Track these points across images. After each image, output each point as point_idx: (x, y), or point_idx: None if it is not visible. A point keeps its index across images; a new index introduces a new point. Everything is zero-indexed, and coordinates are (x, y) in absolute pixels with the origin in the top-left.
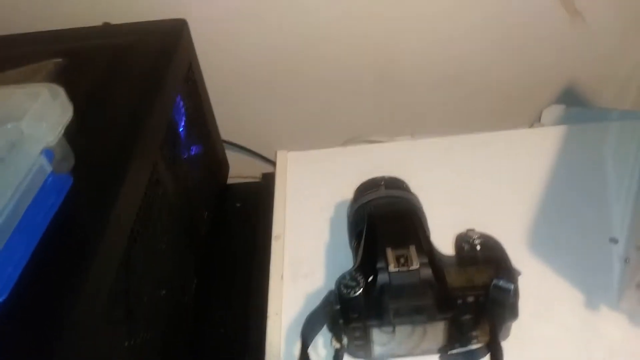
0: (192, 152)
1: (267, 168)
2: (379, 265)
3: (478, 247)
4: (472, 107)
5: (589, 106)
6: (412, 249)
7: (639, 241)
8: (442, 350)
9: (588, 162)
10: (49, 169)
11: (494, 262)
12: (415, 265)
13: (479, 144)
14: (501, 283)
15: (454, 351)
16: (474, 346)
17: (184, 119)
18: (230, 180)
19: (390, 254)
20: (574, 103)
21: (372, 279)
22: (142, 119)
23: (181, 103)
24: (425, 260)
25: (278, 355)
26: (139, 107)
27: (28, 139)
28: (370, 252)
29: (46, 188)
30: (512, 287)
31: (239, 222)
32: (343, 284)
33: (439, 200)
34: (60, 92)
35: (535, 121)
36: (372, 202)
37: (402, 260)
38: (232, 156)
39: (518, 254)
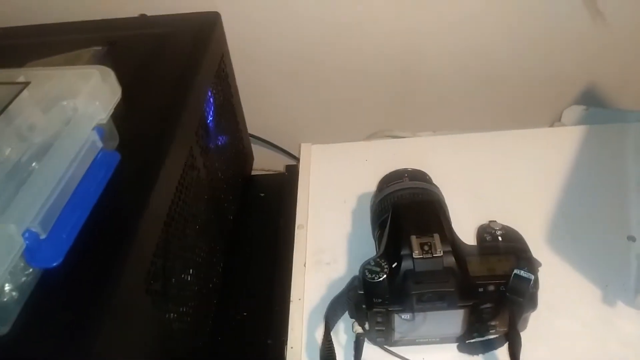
0: (220, 143)
1: (291, 162)
2: (404, 252)
3: (500, 238)
4: (494, 105)
5: (609, 107)
6: (436, 237)
7: None
8: (461, 339)
9: (607, 162)
10: (100, 144)
11: (515, 252)
12: (439, 253)
13: (500, 141)
14: (522, 273)
15: (473, 340)
16: (492, 336)
17: (212, 109)
18: (254, 173)
19: (414, 241)
20: (595, 104)
21: (396, 265)
22: (180, 105)
23: (210, 94)
24: (449, 248)
25: (300, 339)
26: (176, 94)
27: (82, 116)
28: (395, 239)
29: (97, 163)
30: (532, 277)
31: (262, 212)
32: (367, 270)
33: (460, 194)
34: (111, 73)
35: (555, 121)
36: (396, 193)
37: (426, 248)
38: (256, 150)
39: (537, 248)
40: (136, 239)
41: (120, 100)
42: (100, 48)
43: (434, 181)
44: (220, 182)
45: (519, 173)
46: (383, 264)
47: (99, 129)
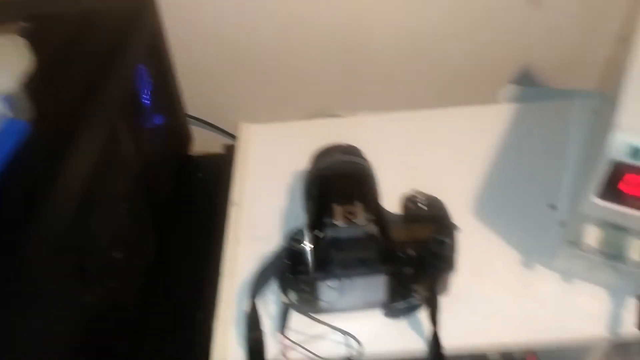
0: (156, 122)
1: (232, 143)
2: (327, 220)
3: (422, 206)
4: (433, 84)
5: (542, 86)
6: (359, 206)
7: (579, 206)
8: (386, 305)
9: (535, 137)
10: (8, 113)
11: (436, 219)
12: (360, 220)
13: (437, 119)
14: (440, 237)
15: (397, 306)
16: (415, 301)
17: (148, 88)
18: (194, 154)
19: (337, 209)
20: (531, 83)
21: (319, 233)
22: (103, 81)
23: (145, 72)
24: (371, 216)
25: (230, 311)
26: (101, 69)
27: None
28: (319, 209)
29: (4, 131)
30: (450, 240)
31: (199, 191)
32: (292, 239)
33: (395, 169)
34: (21, 43)
35: (492, 99)
36: (326, 166)
37: (348, 216)
38: (198, 131)
39: (464, 217)
40: (45, 211)
41: (41, 76)
42: (26, 24)
43: (371, 158)
44: (153, 161)
45: (454, 148)
46: (307, 233)
47: (8, 97)
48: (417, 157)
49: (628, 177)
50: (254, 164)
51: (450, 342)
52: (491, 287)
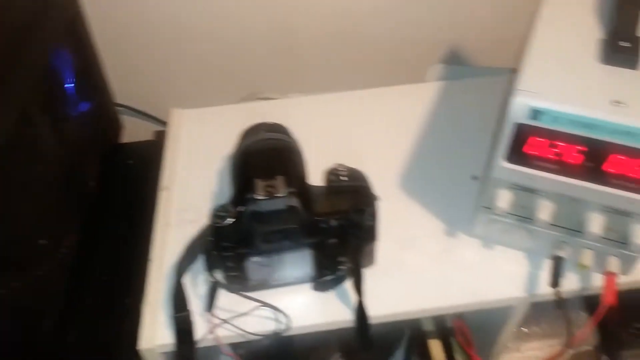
0: (81, 109)
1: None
2: (248, 195)
3: (344, 178)
4: (363, 65)
5: (469, 65)
6: (280, 179)
7: (490, 171)
8: (314, 278)
9: (461, 113)
10: None
11: (356, 189)
12: (281, 193)
13: (367, 99)
14: (360, 207)
15: (325, 278)
16: (342, 272)
17: (71, 75)
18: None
19: (258, 183)
20: (458, 62)
21: (242, 208)
22: (11, 60)
23: (67, 58)
24: (292, 189)
25: (158, 295)
26: (8, 49)
27: None
28: (242, 184)
29: None
30: (369, 210)
31: (130, 178)
32: (215, 215)
33: (324, 148)
34: None
35: (421, 78)
36: (249, 144)
37: (269, 189)
38: (131, 121)
39: (390, 190)
40: None
41: None
42: None
43: (302, 137)
44: (78, 148)
45: (383, 126)
46: (230, 209)
47: None
48: (347, 136)
49: (531, 139)
50: (184, 148)
51: (378, 310)
52: (416, 256)
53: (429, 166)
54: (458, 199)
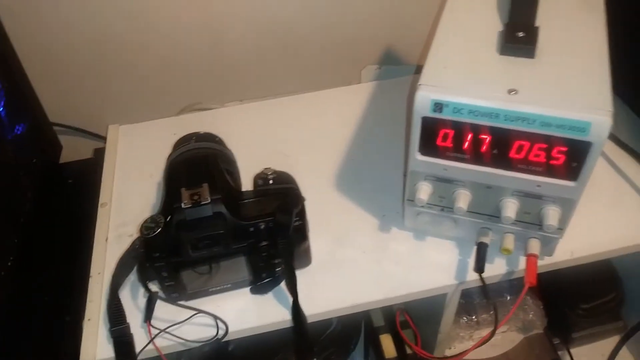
0: (17, 132)
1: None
2: (175, 204)
3: (271, 181)
4: (298, 69)
5: (403, 64)
6: (205, 187)
7: (409, 164)
8: (253, 282)
9: (393, 111)
10: None
11: (283, 192)
12: (206, 200)
13: (303, 102)
14: (285, 208)
15: (262, 282)
16: (279, 274)
17: (1, 99)
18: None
19: (184, 193)
20: (392, 62)
21: (169, 218)
22: None
23: None
24: (217, 195)
25: (98, 311)
26: None
27: None
28: (169, 194)
29: None
30: (295, 210)
31: (69, 197)
32: (144, 227)
33: (260, 154)
34: None
35: (356, 80)
36: (178, 154)
37: (195, 197)
38: (72, 140)
39: (325, 191)
40: None
41: None
42: None
43: (238, 145)
44: (14, 171)
45: (317, 129)
46: (158, 220)
47: None
48: (283, 140)
49: (441, 130)
50: (122, 163)
51: (315, 308)
52: (351, 252)
53: (363, 164)
54: (390, 196)
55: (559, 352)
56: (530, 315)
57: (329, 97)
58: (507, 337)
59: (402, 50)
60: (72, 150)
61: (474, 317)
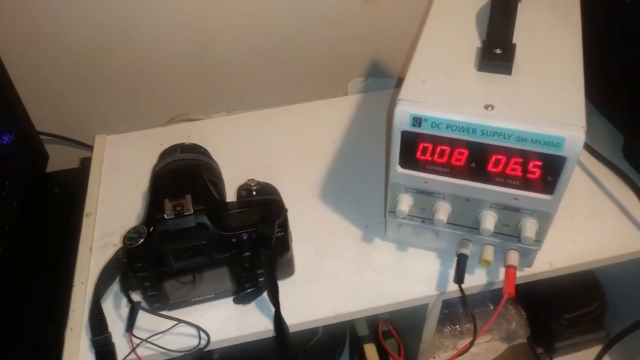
0: (4, 142)
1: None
2: (158, 215)
3: (254, 193)
4: (285, 82)
5: (386, 77)
6: (188, 198)
7: (389, 177)
8: (236, 292)
9: (377, 123)
10: None
11: (266, 203)
12: (189, 211)
13: (288, 114)
14: (268, 219)
15: (245, 292)
16: (262, 284)
17: None
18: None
19: (167, 203)
20: (377, 75)
21: (152, 229)
22: None
23: None
24: (200, 207)
25: (81, 320)
26: None
27: None
28: (152, 205)
29: None
30: (277, 221)
31: (54, 207)
32: (127, 237)
33: (246, 165)
34: None
35: (343, 92)
36: (163, 165)
37: (178, 208)
38: (58, 149)
39: (309, 202)
40: None
41: None
42: None
43: (224, 156)
44: (2, 181)
45: (303, 140)
46: (141, 230)
47: None
48: (268, 151)
49: (419, 145)
50: (108, 173)
51: (297, 318)
52: (333, 263)
53: (347, 176)
54: (373, 207)
55: None
56: (513, 325)
57: (315, 108)
58: (491, 347)
59: (387, 63)
60: (59, 159)
61: (457, 326)
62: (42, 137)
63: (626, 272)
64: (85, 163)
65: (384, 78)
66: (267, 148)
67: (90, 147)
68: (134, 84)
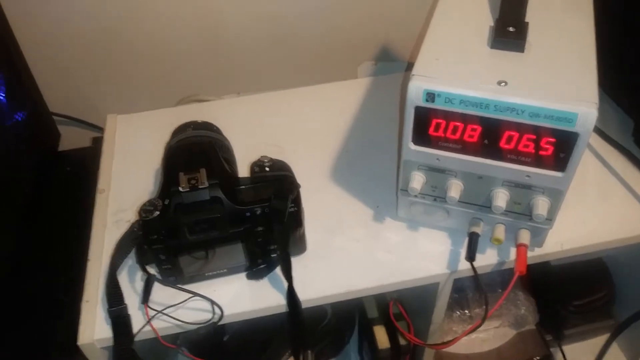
0: (17, 119)
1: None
2: (173, 188)
3: (267, 169)
4: (296, 65)
5: (397, 60)
6: (202, 172)
7: (402, 154)
8: (248, 268)
9: (388, 105)
10: None
11: (279, 179)
12: (204, 185)
13: (299, 96)
14: (281, 194)
15: (260, 267)
16: (272, 260)
17: (3, 86)
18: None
19: (182, 177)
20: (387, 59)
21: (168, 202)
22: None
23: None
24: (215, 180)
25: (96, 293)
26: None
27: None
28: (167, 179)
29: None
30: (290, 196)
31: (67, 184)
32: (142, 210)
33: (257, 145)
34: None
35: (353, 76)
36: (177, 141)
37: (192, 182)
38: (69, 130)
39: (320, 181)
40: None
41: None
42: None
43: (235, 136)
44: (13, 156)
45: (315, 122)
46: (157, 203)
47: None
48: (279, 132)
49: (433, 120)
50: (120, 151)
51: (309, 294)
52: (345, 241)
53: (358, 157)
54: (384, 188)
55: (551, 349)
56: (523, 310)
57: (325, 91)
58: (500, 333)
59: (397, 47)
60: (70, 141)
61: (467, 311)
62: (54, 117)
63: (635, 261)
64: (97, 142)
65: (394, 62)
66: (278, 129)
67: (101, 129)
68: (145, 66)
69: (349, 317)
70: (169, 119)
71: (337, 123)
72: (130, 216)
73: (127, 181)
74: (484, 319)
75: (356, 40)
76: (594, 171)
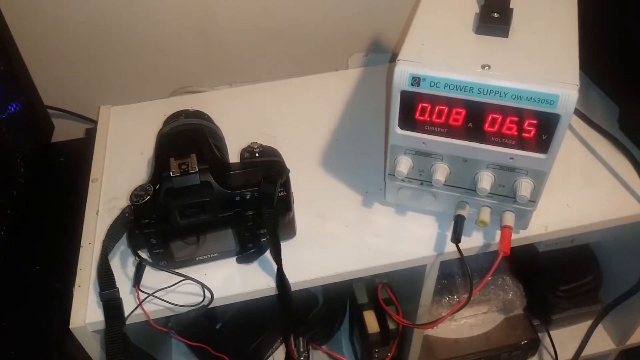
0: (11, 110)
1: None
2: (164, 173)
3: (257, 154)
4: (289, 56)
5: (385, 52)
6: (193, 157)
7: (388, 139)
8: (239, 252)
9: (376, 95)
10: None
11: (268, 164)
12: (194, 169)
13: (291, 86)
14: (270, 179)
15: (250, 251)
16: (262, 244)
17: None
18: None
19: (173, 162)
20: (377, 50)
21: (158, 187)
22: None
23: None
24: (205, 165)
25: (88, 278)
26: None
27: None
28: (158, 164)
29: None
30: (279, 180)
31: (60, 174)
32: (134, 195)
33: (249, 134)
34: None
35: (344, 66)
36: (169, 129)
37: (183, 167)
38: (62, 122)
39: (310, 167)
40: None
41: None
42: None
43: (228, 126)
44: (6, 146)
45: (305, 111)
46: (148, 188)
47: None
48: (270, 122)
49: (419, 104)
50: (113, 141)
51: (298, 277)
52: (334, 225)
53: (347, 145)
54: (373, 174)
55: (539, 334)
56: (510, 295)
57: (316, 82)
58: (488, 318)
59: (387, 39)
60: (64, 133)
61: (455, 296)
62: (48, 110)
63: (620, 248)
64: (90, 133)
65: (384, 53)
66: (269, 119)
67: (94, 122)
68: (138, 57)
69: (340, 304)
70: (162, 110)
71: (328, 112)
72: (122, 204)
73: (119, 170)
74: (469, 297)
75: (347, 32)
76: (579, 156)
